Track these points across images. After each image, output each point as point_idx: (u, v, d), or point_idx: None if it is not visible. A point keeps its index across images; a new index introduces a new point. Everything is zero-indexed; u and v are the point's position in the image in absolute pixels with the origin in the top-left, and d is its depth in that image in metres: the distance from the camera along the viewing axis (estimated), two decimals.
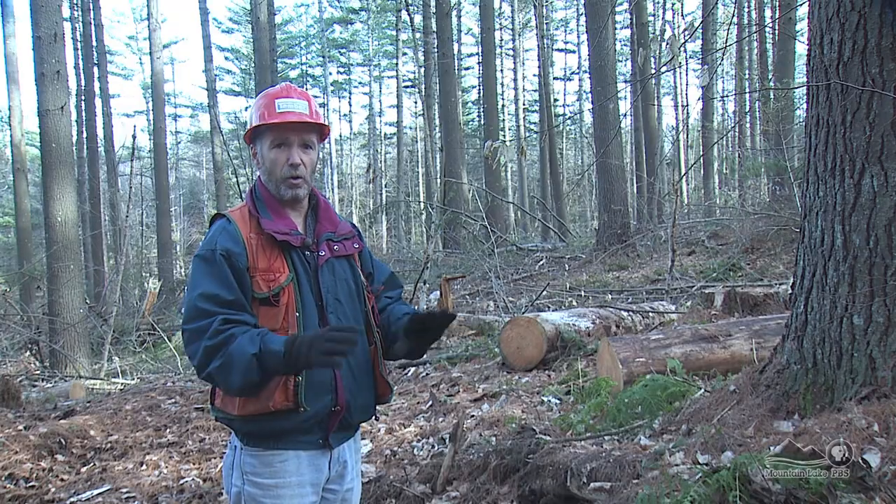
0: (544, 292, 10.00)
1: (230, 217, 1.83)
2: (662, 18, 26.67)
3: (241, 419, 1.75)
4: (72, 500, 4.10)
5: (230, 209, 1.89)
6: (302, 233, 1.87)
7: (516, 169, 34.16)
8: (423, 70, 20.36)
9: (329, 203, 2.00)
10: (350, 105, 47.40)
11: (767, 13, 20.36)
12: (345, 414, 1.83)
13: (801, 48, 17.31)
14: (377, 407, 1.98)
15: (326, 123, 1.91)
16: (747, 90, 18.09)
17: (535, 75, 35.73)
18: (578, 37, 37.47)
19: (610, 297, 9.26)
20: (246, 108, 39.77)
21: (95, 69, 22.43)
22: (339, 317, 1.84)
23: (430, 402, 5.11)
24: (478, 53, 33.29)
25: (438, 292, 8.90)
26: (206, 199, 41.33)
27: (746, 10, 23.55)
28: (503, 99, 35.76)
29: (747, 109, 19.37)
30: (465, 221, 16.57)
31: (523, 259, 15.15)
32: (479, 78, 32.72)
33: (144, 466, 4.57)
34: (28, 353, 10.90)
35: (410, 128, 41.85)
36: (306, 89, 41.55)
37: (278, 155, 1.82)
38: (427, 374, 6.42)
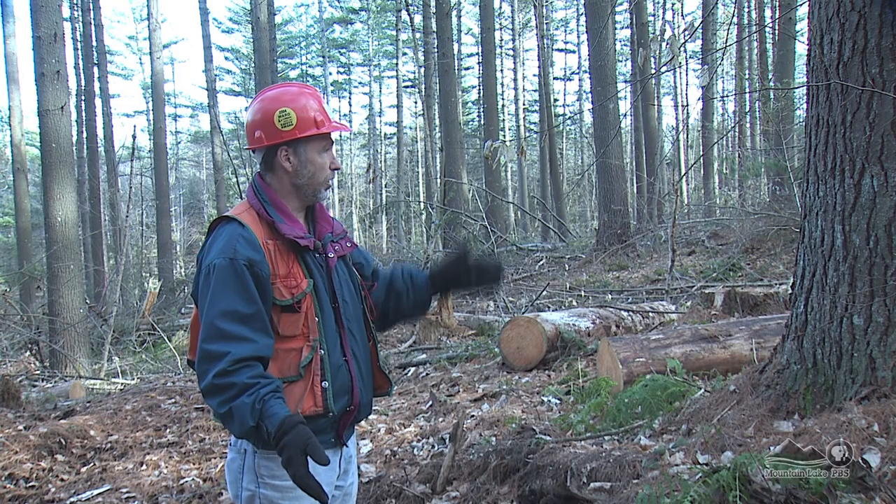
0: (544, 292, 10.00)
1: (242, 221, 1.76)
2: (662, 18, 26.68)
3: None
4: (72, 500, 4.10)
5: (235, 212, 1.81)
6: (311, 235, 1.86)
7: (516, 169, 34.17)
8: (423, 70, 20.35)
9: (322, 203, 2.00)
10: (350, 105, 47.42)
11: (767, 13, 20.36)
12: (356, 412, 1.85)
13: (801, 48, 17.31)
14: (376, 401, 2.02)
15: None
16: (747, 90, 18.09)
17: (535, 75, 35.74)
18: (578, 37, 37.47)
19: (610, 297, 9.26)
20: (246, 109, 39.78)
21: (95, 69, 22.42)
22: (348, 317, 1.85)
23: (430, 402, 5.11)
24: (478, 53, 33.28)
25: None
26: (206, 199, 41.34)
27: (746, 10, 23.54)
28: (503, 99, 35.76)
29: (747, 109, 19.37)
30: (465, 221, 16.56)
31: (523, 259, 15.15)
32: (479, 78, 32.71)
33: (144, 466, 4.57)
34: (28, 353, 10.90)
35: (410, 128, 41.85)
36: None
37: (327, 160, 1.86)
38: (427, 374, 6.42)
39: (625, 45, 31.48)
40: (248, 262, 1.68)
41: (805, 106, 2.97)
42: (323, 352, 1.76)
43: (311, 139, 1.81)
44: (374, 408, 2.02)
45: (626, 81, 24.91)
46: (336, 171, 1.89)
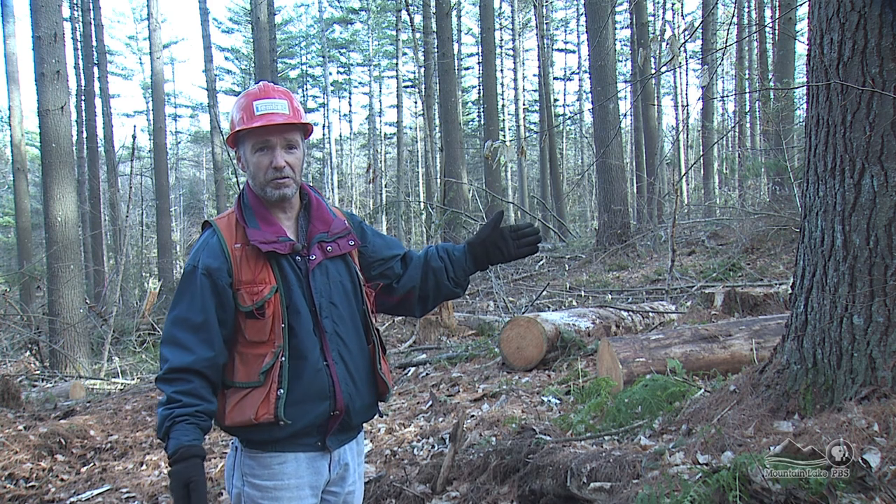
0: (544, 292, 10.00)
1: (216, 227, 1.79)
2: (662, 18, 26.69)
3: (229, 428, 1.77)
4: (72, 500, 4.10)
5: (218, 217, 1.85)
6: (293, 237, 1.82)
7: (516, 169, 34.16)
8: (423, 70, 20.35)
9: (322, 201, 1.94)
10: (350, 105, 47.44)
11: (767, 13, 20.36)
12: (344, 417, 1.81)
13: (801, 48, 17.32)
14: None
15: (308, 122, 1.85)
16: (747, 90, 18.09)
17: (535, 75, 35.80)
18: (578, 37, 37.48)
19: (610, 297, 9.26)
20: None
21: (95, 69, 22.43)
22: (335, 320, 1.81)
23: (430, 402, 5.11)
24: (478, 53, 33.31)
25: None
26: (206, 199, 41.33)
27: (746, 10, 23.55)
28: (503, 99, 35.75)
29: (747, 109, 19.36)
30: (465, 221, 16.55)
31: (523, 259, 15.13)
32: (479, 78, 32.73)
33: (144, 466, 4.58)
34: (28, 353, 10.90)
35: (410, 128, 41.85)
36: (306, 89, 41.21)
37: (261, 158, 1.78)
38: (427, 374, 6.42)
39: (625, 45, 31.50)
40: (206, 271, 1.73)
41: (805, 106, 2.97)
42: (284, 359, 1.73)
43: (245, 139, 1.81)
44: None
45: (626, 81, 24.93)
46: (279, 170, 1.76)
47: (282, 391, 1.71)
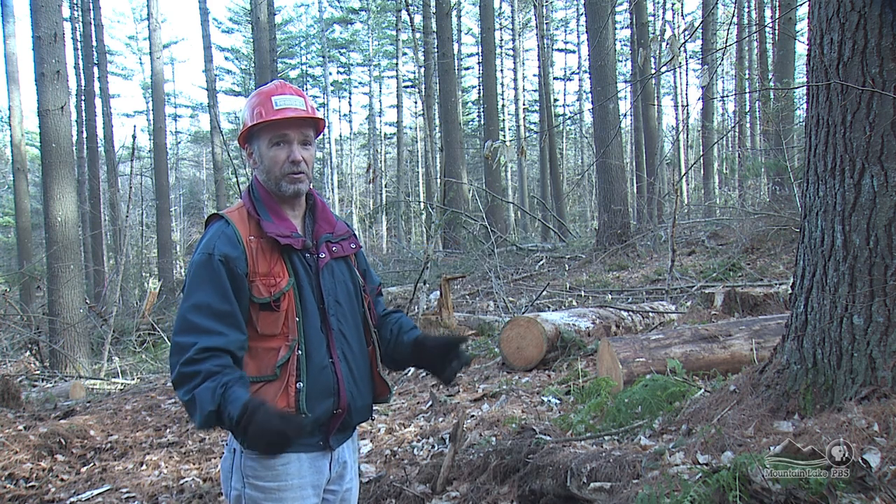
0: (544, 292, 10.00)
1: (228, 219, 1.78)
2: (662, 18, 26.69)
3: None
4: (72, 500, 4.10)
5: (227, 210, 1.85)
6: (301, 234, 1.85)
7: (516, 169, 34.18)
8: (423, 70, 20.34)
9: (326, 203, 1.98)
10: (350, 105, 47.45)
11: (767, 13, 20.36)
12: (345, 416, 1.83)
13: (801, 48, 17.32)
14: (375, 406, 1.99)
15: (322, 118, 1.89)
16: (747, 90, 18.08)
17: (535, 75, 35.82)
18: (578, 37, 37.49)
19: (610, 297, 9.25)
20: None
21: (95, 69, 22.44)
22: (340, 319, 1.83)
23: (430, 402, 5.11)
24: (478, 53, 33.31)
25: (438, 292, 8.90)
26: (206, 199, 41.33)
27: (746, 10, 23.55)
28: (503, 99, 35.77)
29: (747, 109, 19.35)
30: (465, 221, 16.56)
31: (523, 259, 15.14)
32: (479, 78, 32.73)
33: (144, 466, 4.58)
34: (28, 353, 10.90)
35: (410, 128, 41.86)
36: (306, 89, 41.28)
37: (278, 153, 1.80)
38: (427, 374, 6.43)
39: (625, 45, 31.50)
40: (223, 259, 1.70)
41: (805, 106, 2.97)
42: (300, 352, 1.74)
43: (261, 134, 1.82)
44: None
45: (626, 81, 24.95)
46: (296, 164, 1.79)
47: (301, 384, 1.72)
